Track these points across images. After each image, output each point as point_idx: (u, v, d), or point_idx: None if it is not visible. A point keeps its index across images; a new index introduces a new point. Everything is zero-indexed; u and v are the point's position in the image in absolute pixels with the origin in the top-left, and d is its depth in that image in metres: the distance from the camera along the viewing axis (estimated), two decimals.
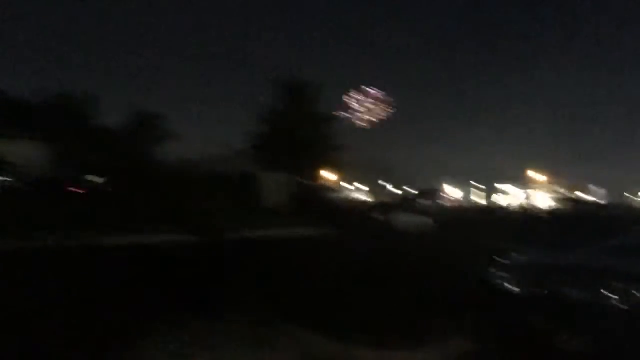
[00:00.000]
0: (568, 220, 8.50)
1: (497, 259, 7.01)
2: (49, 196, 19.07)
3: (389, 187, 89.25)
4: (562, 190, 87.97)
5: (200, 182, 22.69)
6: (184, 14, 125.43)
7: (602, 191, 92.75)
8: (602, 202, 68.42)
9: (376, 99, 67.72)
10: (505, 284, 6.57)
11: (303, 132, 34.08)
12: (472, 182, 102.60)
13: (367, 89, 67.09)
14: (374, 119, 61.97)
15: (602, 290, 5.76)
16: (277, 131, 34.58)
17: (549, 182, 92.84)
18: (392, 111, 66.01)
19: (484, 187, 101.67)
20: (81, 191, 23.79)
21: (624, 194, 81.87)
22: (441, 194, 57.23)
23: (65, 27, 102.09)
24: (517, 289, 6.42)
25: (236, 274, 9.50)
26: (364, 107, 64.27)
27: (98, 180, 26.79)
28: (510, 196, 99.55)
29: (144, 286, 7.75)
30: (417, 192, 48.10)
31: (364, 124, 61.63)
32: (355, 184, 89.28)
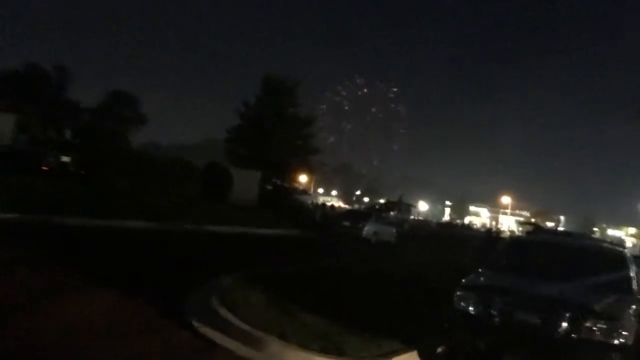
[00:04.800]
0: (526, 245, 8.58)
1: (463, 280, 6.99)
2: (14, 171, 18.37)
3: (363, 196, 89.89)
4: (528, 216, 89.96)
5: (172, 170, 22.37)
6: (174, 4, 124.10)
7: (570, 221, 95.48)
8: (563, 230, 69.89)
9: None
10: (463, 304, 6.55)
11: (279, 131, 33.90)
12: (446, 202, 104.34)
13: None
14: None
15: (554, 318, 5.78)
16: (253, 127, 34.33)
17: (517, 208, 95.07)
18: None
19: (457, 206, 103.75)
20: (45, 168, 23.09)
21: (593, 228, 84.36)
22: (411, 207, 57.63)
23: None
24: (475, 310, 6.39)
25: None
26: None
27: (65, 158, 26.10)
28: (481, 218, 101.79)
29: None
30: (384, 203, 48.30)
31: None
32: (327, 189, 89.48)
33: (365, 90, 67.94)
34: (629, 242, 54.91)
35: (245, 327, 6.13)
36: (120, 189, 17.52)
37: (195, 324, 6.22)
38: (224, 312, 6.57)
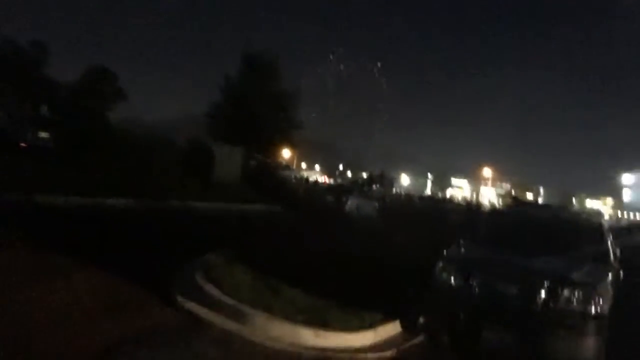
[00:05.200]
0: (505, 217, 8.72)
1: (444, 251, 7.11)
2: None
3: (346, 171, 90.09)
4: (508, 188, 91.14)
5: (152, 147, 22.08)
6: None
7: (549, 192, 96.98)
8: (543, 203, 71.06)
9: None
10: (443, 276, 6.68)
11: (261, 107, 33.59)
12: (429, 175, 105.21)
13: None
14: None
15: (532, 289, 5.92)
16: (235, 103, 33.93)
17: (498, 180, 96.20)
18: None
19: (439, 180, 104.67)
20: (24, 145, 22.66)
21: (572, 198, 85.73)
22: (393, 181, 58.00)
23: None
24: (454, 281, 6.52)
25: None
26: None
27: (43, 135, 25.58)
28: (463, 190, 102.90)
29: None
30: (367, 177, 48.50)
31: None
32: (310, 164, 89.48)
33: (347, 64, 67.11)
34: (606, 213, 56.11)
35: (230, 301, 6.20)
36: (101, 166, 17.29)
37: (180, 299, 6.27)
38: (209, 287, 6.63)
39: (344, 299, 6.80)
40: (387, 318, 6.63)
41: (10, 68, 29.31)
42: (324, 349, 5.73)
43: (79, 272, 6.79)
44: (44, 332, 4.84)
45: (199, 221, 14.51)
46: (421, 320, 6.48)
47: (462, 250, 7.26)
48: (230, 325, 5.80)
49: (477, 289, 6.24)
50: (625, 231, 22.58)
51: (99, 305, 5.75)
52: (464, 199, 70.22)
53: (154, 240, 9.74)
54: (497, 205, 45.97)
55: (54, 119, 25.64)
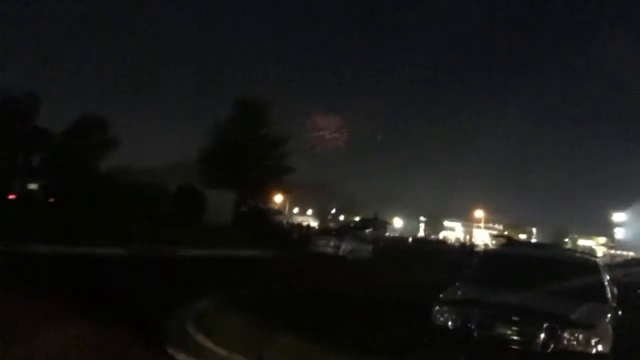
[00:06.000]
0: (501, 257, 8.63)
1: (441, 294, 6.99)
2: None
3: (338, 215, 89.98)
4: (501, 229, 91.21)
5: (141, 194, 22.01)
6: (144, 21, 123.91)
7: (542, 232, 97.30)
8: (536, 241, 70.94)
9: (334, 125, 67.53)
10: (441, 319, 6.54)
11: (253, 152, 33.81)
12: (421, 218, 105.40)
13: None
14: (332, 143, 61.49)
15: (532, 330, 5.81)
16: (227, 148, 34.14)
17: (491, 221, 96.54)
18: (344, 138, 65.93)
19: (432, 222, 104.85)
20: (12, 196, 22.52)
21: (564, 239, 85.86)
22: (386, 224, 57.90)
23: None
24: (452, 324, 6.39)
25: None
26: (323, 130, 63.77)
27: (33, 186, 25.49)
28: (455, 232, 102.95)
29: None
30: (359, 220, 48.39)
31: (322, 147, 61.13)
32: (302, 208, 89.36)
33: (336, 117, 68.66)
34: (599, 252, 56.14)
35: (222, 352, 6.00)
36: (89, 215, 17.14)
37: (170, 350, 6.06)
38: (200, 338, 6.43)
39: (341, 343, 6.61)
40: None
41: (2, 119, 29.37)
42: None
43: (68, 324, 6.57)
44: None
45: (189, 268, 14.28)
46: None
47: (459, 292, 7.13)
48: None
49: (476, 332, 6.10)
50: (620, 269, 22.54)
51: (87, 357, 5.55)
52: (457, 240, 70.11)
53: (144, 289, 9.53)
54: (490, 245, 45.90)
55: (44, 170, 25.57)
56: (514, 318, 6.03)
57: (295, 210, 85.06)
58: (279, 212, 47.71)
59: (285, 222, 42.68)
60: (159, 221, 19.61)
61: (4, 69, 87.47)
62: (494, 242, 51.64)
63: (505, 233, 56.56)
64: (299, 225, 48.18)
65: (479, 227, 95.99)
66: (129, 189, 21.76)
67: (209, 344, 6.24)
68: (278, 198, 48.60)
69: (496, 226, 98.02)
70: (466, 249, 43.94)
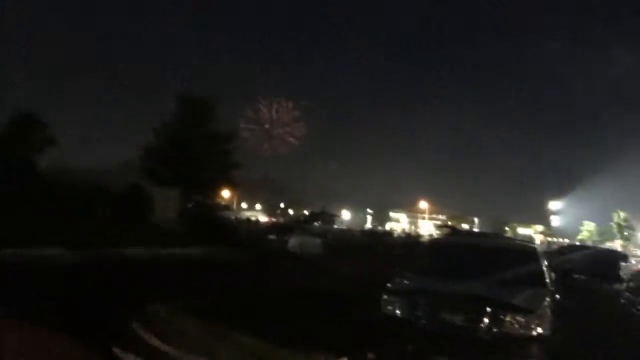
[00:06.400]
0: (444, 247, 8.91)
1: (388, 284, 7.10)
2: None
3: (287, 209, 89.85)
4: (444, 219, 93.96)
5: (82, 194, 21.14)
6: (85, 18, 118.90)
7: (483, 222, 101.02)
8: (478, 231, 73.57)
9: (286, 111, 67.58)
10: (389, 308, 6.67)
11: (198, 148, 33.18)
12: (368, 210, 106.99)
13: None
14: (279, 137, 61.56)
15: (476, 316, 6.00)
16: (171, 145, 33.35)
17: (435, 212, 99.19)
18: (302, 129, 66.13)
19: (378, 213, 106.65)
20: None
21: (505, 227, 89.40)
22: (334, 217, 58.38)
23: None
24: (400, 314, 6.52)
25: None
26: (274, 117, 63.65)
27: None
28: (401, 223, 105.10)
29: None
30: (308, 214, 48.56)
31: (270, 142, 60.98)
32: (250, 204, 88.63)
33: (278, 107, 68.42)
34: (537, 239, 58.78)
35: (173, 352, 5.88)
36: (27, 216, 16.28)
37: (117, 352, 5.89)
38: (149, 338, 6.28)
39: (294, 337, 6.63)
40: (337, 356, 6.49)
41: None
42: None
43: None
44: None
45: (135, 268, 13.84)
46: (370, 356, 6.40)
47: (406, 281, 7.29)
48: None
49: (424, 320, 6.27)
50: (557, 254, 23.79)
51: None
52: (403, 231, 71.61)
53: (89, 292, 9.17)
54: (435, 235, 47.20)
55: None
56: (459, 305, 6.22)
57: (244, 205, 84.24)
58: (227, 207, 47.12)
59: (233, 217, 42.19)
60: (104, 220, 18.92)
61: None
62: (438, 232, 53.07)
63: (449, 223, 58.29)
64: (248, 220, 47.81)
65: (423, 218, 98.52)
66: (73, 188, 20.83)
67: (157, 343, 6.10)
68: (226, 194, 47.94)
69: (440, 217, 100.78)
70: (412, 239, 45.03)
